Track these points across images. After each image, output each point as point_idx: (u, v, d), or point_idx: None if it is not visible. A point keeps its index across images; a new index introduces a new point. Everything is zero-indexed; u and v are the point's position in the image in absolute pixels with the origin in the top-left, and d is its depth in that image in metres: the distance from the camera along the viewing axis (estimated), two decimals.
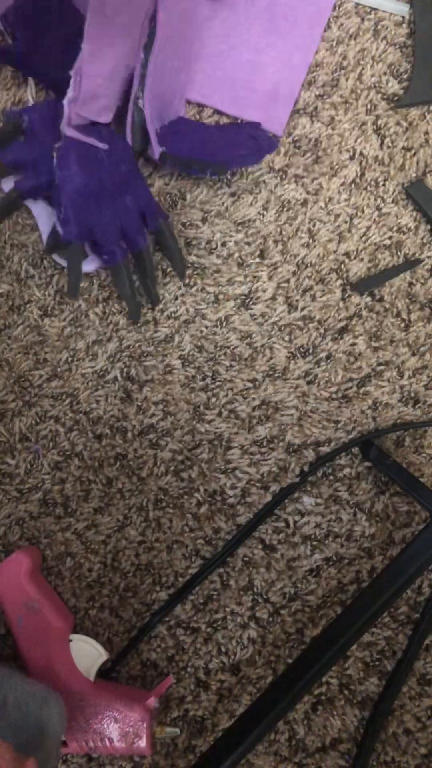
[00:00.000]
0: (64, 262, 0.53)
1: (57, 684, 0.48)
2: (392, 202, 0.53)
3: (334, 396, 0.53)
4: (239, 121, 0.54)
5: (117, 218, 0.49)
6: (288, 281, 0.53)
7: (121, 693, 0.49)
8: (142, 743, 0.47)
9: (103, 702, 0.47)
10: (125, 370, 0.53)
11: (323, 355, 0.53)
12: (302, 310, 0.53)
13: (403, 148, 0.53)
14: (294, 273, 0.53)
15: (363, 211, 0.53)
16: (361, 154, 0.53)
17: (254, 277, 0.53)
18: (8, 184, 0.51)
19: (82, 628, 0.52)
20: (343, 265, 0.53)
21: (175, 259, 0.52)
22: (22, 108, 0.52)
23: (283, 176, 0.53)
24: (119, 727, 0.47)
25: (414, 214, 0.53)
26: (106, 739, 0.47)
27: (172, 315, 0.53)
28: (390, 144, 0.53)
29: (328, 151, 0.53)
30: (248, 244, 0.53)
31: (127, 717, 0.47)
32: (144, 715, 0.47)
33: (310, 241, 0.53)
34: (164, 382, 0.53)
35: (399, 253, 0.53)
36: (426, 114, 0.53)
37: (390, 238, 0.53)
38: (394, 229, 0.53)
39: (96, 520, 0.53)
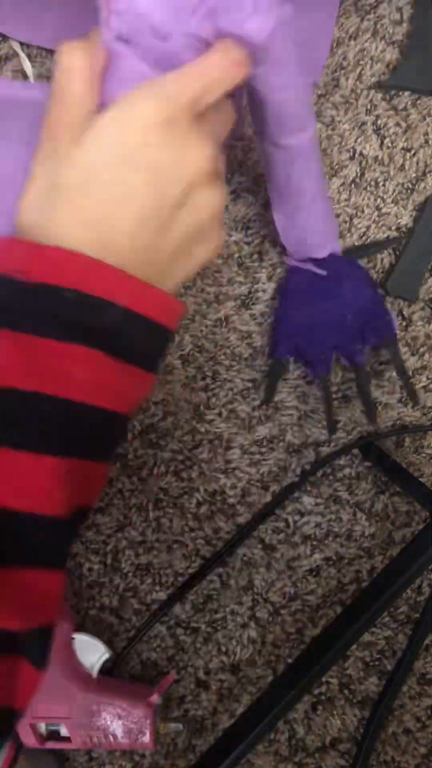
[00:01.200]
0: None
1: (61, 682, 0.49)
2: (392, 202, 0.54)
3: (333, 396, 0.54)
4: None
5: (333, 336, 0.52)
6: None
7: (124, 690, 0.50)
8: (146, 739, 0.49)
9: (107, 699, 0.49)
10: None
11: None
12: None
13: (402, 148, 0.55)
14: None
15: (363, 211, 0.54)
16: (361, 154, 0.55)
17: (254, 277, 0.54)
18: None
19: (83, 628, 0.53)
20: None
21: (405, 387, 0.54)
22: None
23: None
24: (123, 723, 0.49)
25: (414, 214, 0.55)
26: (110, 736, 0.49)
27: None
28: (390, 144, 0.55)
29: (328, 151, 0.54)
30: (248, 243, 0.54)
31: (130, 714, 0.49)
32: (147, 712, 0.49)
33: None
34: (164, 382, 0.54)
35: (398, 253, 0.54)
36: (426, 116, 0.55)
37: (388, 237, 0.54)
38: (393, 228, 0.54)
39: (96, 520, 0.54)
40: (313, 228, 0.50)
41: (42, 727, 0.50)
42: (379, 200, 0.55)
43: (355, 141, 0.55)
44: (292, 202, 0.48)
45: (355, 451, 0.54)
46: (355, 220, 0.55)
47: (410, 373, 0.54)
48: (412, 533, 0.54)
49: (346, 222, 0.55)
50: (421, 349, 0.54)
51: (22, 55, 0.55)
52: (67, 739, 0.50)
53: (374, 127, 0.55)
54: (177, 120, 0.32)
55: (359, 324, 0.52)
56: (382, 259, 0.55)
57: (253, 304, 0.54)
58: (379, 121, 0.55)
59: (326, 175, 0.55)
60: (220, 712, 0.54)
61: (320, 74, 0.54)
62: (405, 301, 0.54)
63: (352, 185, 0.55)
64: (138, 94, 0.32)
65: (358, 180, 0.55)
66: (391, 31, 0.55)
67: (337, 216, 0.55)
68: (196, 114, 0.33)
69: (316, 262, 0.52)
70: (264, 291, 0.54)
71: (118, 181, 0.32)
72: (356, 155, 0.55)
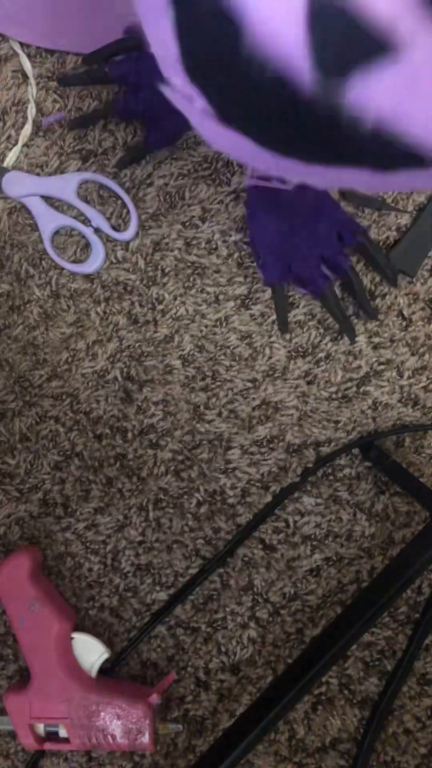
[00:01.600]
0: (67, 266, 0.54)
1: (59, 682, 0.49)
2: (392, 201, 0.55)
3: (333, 396, 0.54)
4: None
5: (315, 248, 0.51)
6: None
7: (124, 689, 0.51)
8: (145, 739, 0.49)
9: (106, 699, 0.49)
10: (125, 370, 0.55)
11: (322, 354, 0.55)
12: (302, 308, 0.55)
13: None
14: None
15: (363, 211, 0.55)
16: None
17: (254, 277, 0.55)
18: None
19: (83, 628, 0.54)
20: None
21: (380, 268, 0.53)
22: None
23: None
24: (122, 723, 0.49)
25: (414, 213, 0.55)
26: (109, 736, 0.49)
27: (173, 315, 0.55)
28: None
29: None
30: (248, 243, 0.55)
31: (129, 713, 0.49)
32: (147, 712, 0.49)
33: None
34: (164, 382, 0.55)
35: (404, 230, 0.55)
36: None
37: (388, 237, 0.55)
38: (393, 228, 0.55)
39: (96, 520, 0.55)
40: None
41: (41, 727, 0.51)
42: (379, 200, 0.55)
43: None
44: None
45: (355, 451, 0.55)
46: (357, 220, 0.55)
47: (410, 373, 0.55)
48: (412, 533, 0.55)
49: None
50: (421, 349, 0.55)
51: (22, 55, 0.55)
52: (66, 740, 0.50)
53: None
54: None
55: (333, 229, 0.51)
56: (388, 237, 0.55)
57: (253, 304, 0.55)
58: None
59: None
60: (220, 713, 0.54)
61: None
62: (407, 280, 0.55)
63: None
64: None
65: None
66: None
67: None
68: None
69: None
70: (264, 291, 0.55)
71: None
72: None
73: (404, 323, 0.55)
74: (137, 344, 0.55)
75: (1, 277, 0.56)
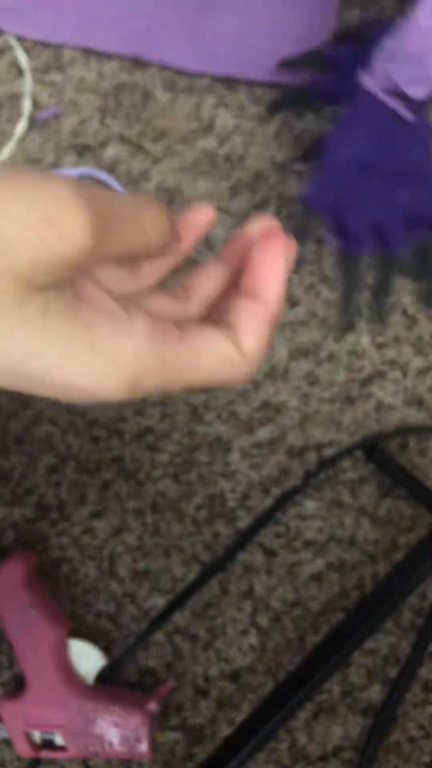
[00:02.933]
0: None
1: (55, 689, 0.50)
2: None
3: (336, 397, 0.55)
4: None
5: (376, 209, 0.45)
6: (290, 278, 0.55)
7: (121, 697, 0.51)
8: (143, 747, 0.50)
9: (103, 706, 0.50)
10: None
11: (325, 354, 0.55)
12: (304, 307, 0.55)
13: None
14: (296, 270, 0.55)
15: None
16: None
17: None
18: None
19: (79, 635, 0.55)
20: None
21: (426, 285, 0.49)
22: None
23: (285, 171, 0.55)
24: (120, 731, 0.50)
25: None
26: (106, 744, 0.50)
27: None
28: None
29: None
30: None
31: (127, 721, 0.50)
32: (144, 719, 0.50)
33: None
34: None
35: None
36: None
37: None
38: None
39: (92, 525, 0.55)
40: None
41: (36, 735, 0.51)
42: None
43: None
44: None
45: (359, 453, 0.55)
46: None
47: (414, 374, 0.55)
48: (417, 538, 0.55)
49: None
50: (426, 349, 0.55)
51: (18, 49, 0.56)
52: (62, 748, 0.51)
53: None
54: None
55: (414, 209, 0.45)
56: None
57: None
58: None
59: None
60: (220, 721, 0.55)
61: None
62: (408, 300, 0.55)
63: None
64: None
65: None
66: None
67: None
68: None
69: (407, 102, 0.43)
70: None
71: None
72: None
73: (409, 322, 0.55)
74: None
75: None
